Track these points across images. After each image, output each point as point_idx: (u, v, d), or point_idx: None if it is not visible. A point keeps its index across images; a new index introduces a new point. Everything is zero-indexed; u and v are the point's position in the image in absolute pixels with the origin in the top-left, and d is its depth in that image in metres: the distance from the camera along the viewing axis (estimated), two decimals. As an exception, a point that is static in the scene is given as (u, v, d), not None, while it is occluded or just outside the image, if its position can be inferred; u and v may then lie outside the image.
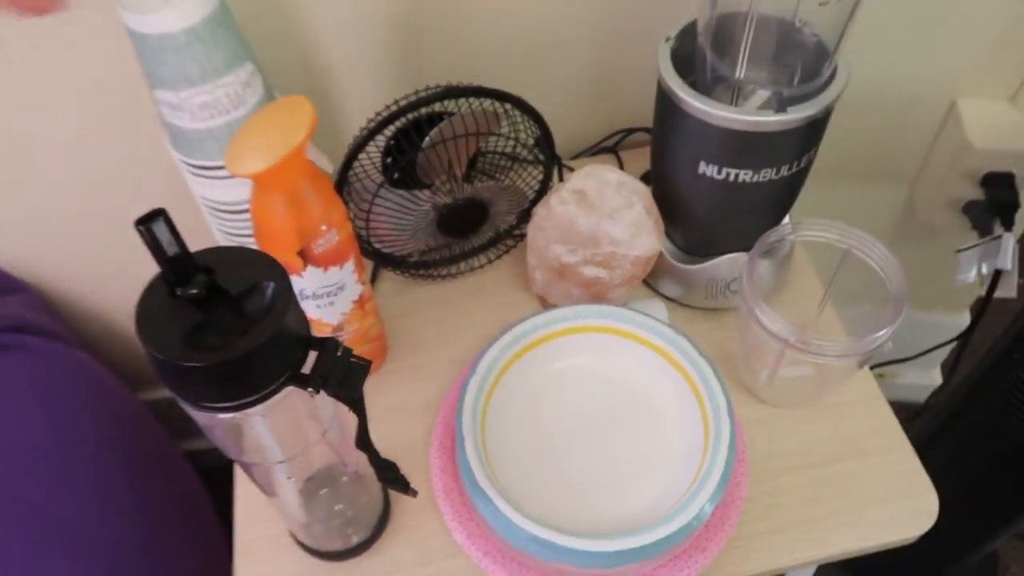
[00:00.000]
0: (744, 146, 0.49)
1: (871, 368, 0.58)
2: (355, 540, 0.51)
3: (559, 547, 0.45)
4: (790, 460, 0.54)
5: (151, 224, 0.31)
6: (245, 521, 0.53)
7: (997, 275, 0.70)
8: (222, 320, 0.33)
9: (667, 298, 0.62)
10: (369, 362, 0.36)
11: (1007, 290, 0.67)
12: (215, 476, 0.87)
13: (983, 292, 0.70)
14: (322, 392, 0.36)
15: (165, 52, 0.47)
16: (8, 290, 0.76)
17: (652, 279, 0.63)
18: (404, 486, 0.44)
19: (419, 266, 0.63)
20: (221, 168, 0.53)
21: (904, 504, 0.52)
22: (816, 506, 0.52)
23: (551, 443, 0.52)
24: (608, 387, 0.54)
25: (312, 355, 0.35)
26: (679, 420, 0.52)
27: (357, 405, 0.36)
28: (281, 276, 0.34)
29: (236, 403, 0.34)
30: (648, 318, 0.53)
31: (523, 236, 0.64)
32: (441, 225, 0.59)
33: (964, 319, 0.96)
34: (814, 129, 0.50)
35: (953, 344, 0.79)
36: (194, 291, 0.33)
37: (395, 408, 0.57)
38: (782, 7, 0.48)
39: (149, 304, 0.33)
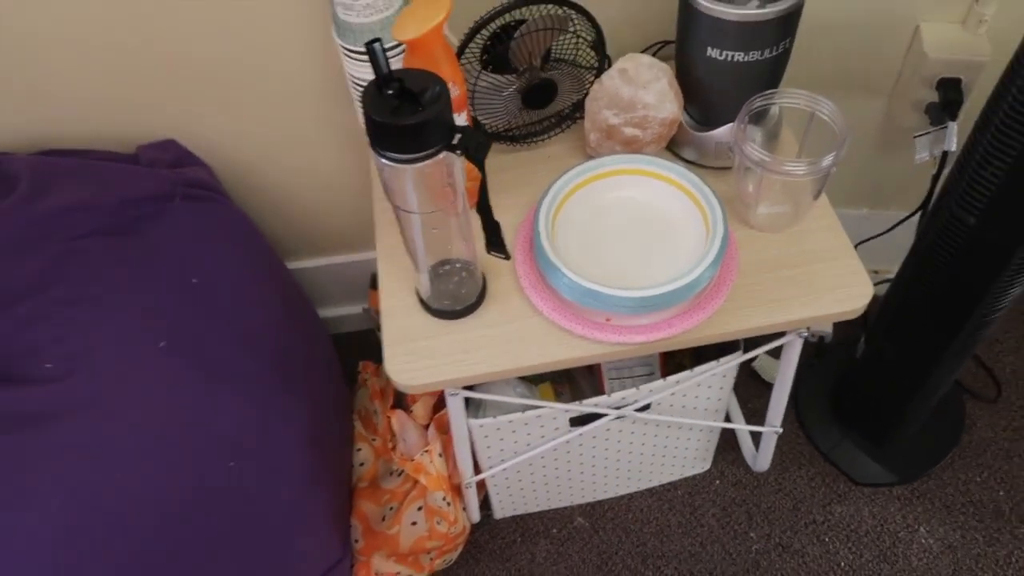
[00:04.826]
0: (737, 33, 0.71)
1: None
2: (463, 306, 0.75)
3: (601, 295, 0.68)
4: (769, 264, 0.76)
5: (374, 44, 0.55)
6: (388, 293, 0.77)
7: (945, 156, 0.91)
8: (410, 107, 0.57)
9: (686, 160, 0.85)
10: (491, 141, 0.59)
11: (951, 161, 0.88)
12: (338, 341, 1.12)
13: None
14: (458, 165, 0.60)
15: (348, -35, 0.70)
16: (190, 162, 1.01)
17: (676, 146, 0.85)
18: (502, 248, 0.68)
19: (508, 136, 0.86)
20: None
21: (849, 291, 0.74)
22: (786, 291, 0.74)
23: (599, 243, 0.75)
24: (640, 210, 0.77)
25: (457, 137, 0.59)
26: (690, 227, 0.74)
27: (481, 166, 0.60)
28: (442, 83, 0.58)
29: (413, 156, 0.58)
30: (662, 161, 0.76)
31: (582, 117, 0.87)
32: (525, 100, 0.82)
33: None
34: (787, 21, 0.71)
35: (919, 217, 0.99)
36: (392, 90, 0.57)
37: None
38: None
39: (368, 96, 0.57)
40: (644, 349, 0.72)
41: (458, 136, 0.59)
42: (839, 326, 1.22)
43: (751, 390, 1.18)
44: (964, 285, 0.83)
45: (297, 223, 1.10)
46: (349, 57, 0.78)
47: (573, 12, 0.80)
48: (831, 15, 0.93)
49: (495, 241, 0.67)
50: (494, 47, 0.82)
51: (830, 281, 0.75)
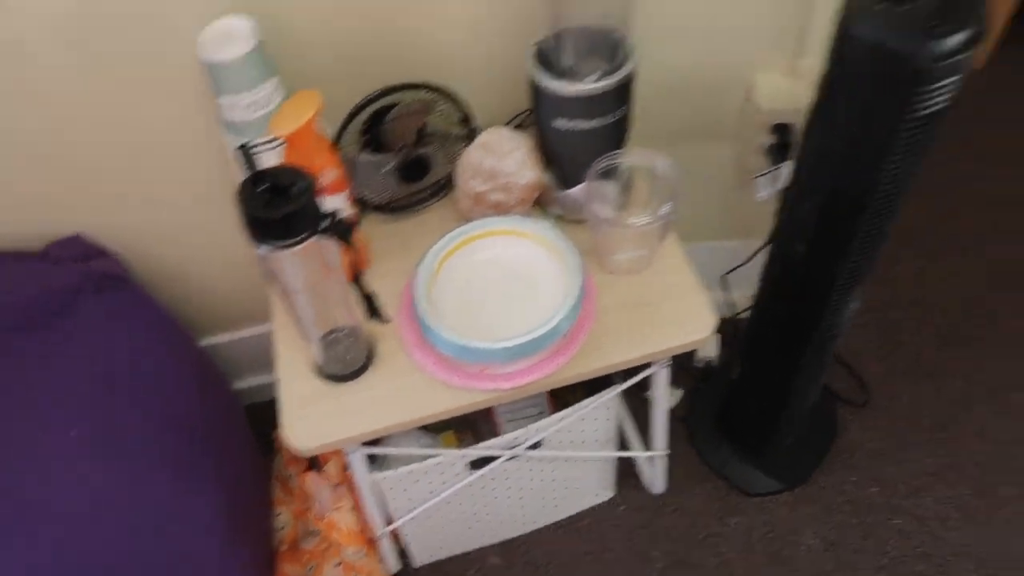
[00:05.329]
0: (578, 105, 0.81)
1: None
2: (352, 369, 0.81)
3: (471, 348, 0.76)
4: (627, 305, 0.85)
5: (245, 147, 0.62)
6: (284, 363, 0.83)
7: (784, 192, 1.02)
8: (280, 200, 0.64)
9: (555, 216, 0.94)
10: (355, 222, 0.67)
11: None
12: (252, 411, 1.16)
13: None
14: (331, 245, 0.67)
15: (228, 72, 0.77)
16: (99, 255, 1.05)
17: (544, 204, 0.94)
18: (379, 314, 0.75)
19: (389, 208, 0.94)
20: (259, 144, 0.83)
21: (695, 324, 0.84)
22: (641, 328, 0.83)
23: (476, 300, 0.82)
24: (510, 267, 0.85)
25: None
26: (553, 279, 0.82)
27: (348, 243, 0.67)
28: (308, 177, 0.65)
29: (287, 243, 0.65)
30: (527, 220, 0.85)
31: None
32: (402, 175, 0.90)
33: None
34: (621, 92, 0.81)
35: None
36: (265, 186, 0.64)
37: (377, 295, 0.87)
38: (588, 21, 0.80)
39: (243, 193, 0.64)
40: (516, 393, 0.80)
41: (326, 221, 0.66)
42: (723, 350, 1.33)
43: (648, 418, 1.27)
44: (803, 307, 0.93)
45: (206, 302, 1.15)
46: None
47: (439, 95, 0.89)
48: (676, 77, 1.04)
49: (372, 309, 0.74)
50: (371, 129, 0.90)
51: (679, 316, 0.84)
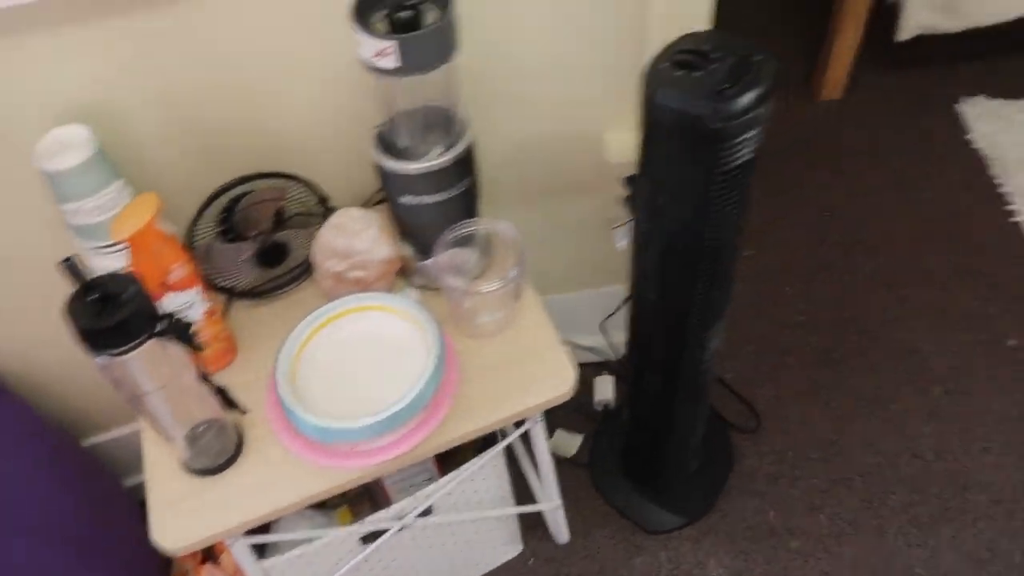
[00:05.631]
0: (419, 182, 0.84)
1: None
2: (221, 461, 0.82)
3: (331, 429, 0.76)
4: (490, 368, 0.88)
5: (69, 262, 0.63)
6: (151, 462, 0.83)
7: (642, 242, 1.07)
8: (111, 308, 0.65)
9: (418, 287, 0.96)
10: (190, 323, 0.68)
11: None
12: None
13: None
14: (172, 345, 0.68)
15: (68, 180, 0.78)
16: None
17: (408, 275, 0.96)
18: (235, 405, 0.75)
19: (253, 294, 0.95)
20: (109, 246, 0.84)
21: (556, 380, 0.86)
22: (505, 389, 0.86)
23: (343, 378, 0.83)
24: (373, 342, 0.86)
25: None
26: (416, 351, 0.84)
27: (188, 345, 0.68)
28: (137, 284, 0.66)
29: (122, 349, 0.65)
30: (385, 295, 0.87)
31: (320, 264, 0.97)
32: (261, 260, 0.91)
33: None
34: (462, 166, 0.85)
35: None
36: (95, 296, 0.65)
37: (245, 384, 0.88)
38: (419, 103, 0.84)
39: (72, 305, 0.65)
40: (386, 468, 0.81)
41: (163, 323, 0.67)
42: (620, 392, 1.36)
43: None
44: (665, 349, 0.97)
45: (87, 403, 1.14)
46: (90, 252, 0.85)
47: (292, 181, 0.92)
48: (531, 140, 1.09)
49: (227, 402, 0.75)
50: (228, 219, 0.92)
51: (542, 372, 0.87)
